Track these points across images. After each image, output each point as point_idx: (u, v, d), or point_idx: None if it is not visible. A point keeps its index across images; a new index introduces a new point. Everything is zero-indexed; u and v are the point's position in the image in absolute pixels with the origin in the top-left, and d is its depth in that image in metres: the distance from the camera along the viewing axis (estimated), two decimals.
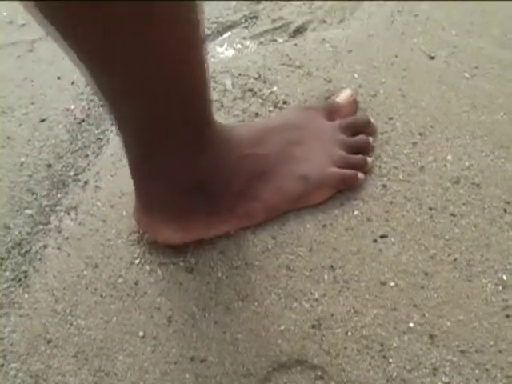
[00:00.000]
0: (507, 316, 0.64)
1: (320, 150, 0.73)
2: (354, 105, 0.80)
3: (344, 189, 0.74)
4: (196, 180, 0.65)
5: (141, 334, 0.66)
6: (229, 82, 0.86)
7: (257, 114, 0.82)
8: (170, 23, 0.46)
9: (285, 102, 0.83)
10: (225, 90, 0.86)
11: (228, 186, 0.68)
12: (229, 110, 0.83)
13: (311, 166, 0.72)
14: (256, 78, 0.87)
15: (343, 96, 0.80)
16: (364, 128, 0.77)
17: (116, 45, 0.46)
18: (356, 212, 0.72)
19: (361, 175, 0.73)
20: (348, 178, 0.73)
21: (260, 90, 0.85)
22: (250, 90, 0.85)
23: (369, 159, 0.75)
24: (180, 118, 0.58)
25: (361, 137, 0.76)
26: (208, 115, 0.63)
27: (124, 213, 0.75)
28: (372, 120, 0.78)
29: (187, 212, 0.68)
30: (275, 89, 0.85)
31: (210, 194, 0.67)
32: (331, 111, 0.78)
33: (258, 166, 0.70)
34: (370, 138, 0.77)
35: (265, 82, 0.86)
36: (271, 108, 0.83)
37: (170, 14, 0.46)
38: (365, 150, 0.76)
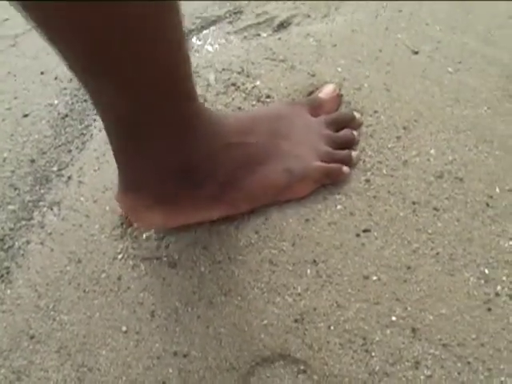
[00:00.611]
0: (489, 309, 0.64)
1: (306, 145, 0.73)
2: (337, 100, 0.80)
3: (328, 183, 0.74)
4: (182, 166, 0.64)
5: (124, 328, 0.66)
6: (212, 77, 0.86)
7: (240, 109, 0.82)
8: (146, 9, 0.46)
9: (268, 96, 0.83)
10: (208, 85, 0.85)
11: (214, 173, 0.67)
12: (212, 105, 0.83)
13: (296, 159, 0.72)
14: (239, 73, 0.86)
15: (326, 91, 0.80)
16: (348, 123, 0.77)
17: (97, 40, 0.46)
18: (339, 206, 0.72)
19: (345, 169, 0.73)
20: (332, 171, 0.73)
21: (243, 85, 0.85)
22: (233, 84, 0.85)
23: (354, 153, 0.75)
24: (165, 105, 0.57)
25: (345, 131, 0.76)
26: (193, 102, 0.62)
27: (107, 208, 0.74)
28: (357, 115, 0.78)
29: (171, 197, 0.67)
30: (258, 83, 0.85)
31: (196, 180, 0.67)
32: (315, 107, 0.78)
33: (243, 155, 0.69)
34: (355, 132, 0.77)
35: (248, 77, 0.86)
36: (254, 102, 0.83)
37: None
38: (350, 144, 0.76)
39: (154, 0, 0.46)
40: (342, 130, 0.76)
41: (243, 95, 0.84)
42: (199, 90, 0.84)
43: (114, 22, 0.45)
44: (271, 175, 0.71)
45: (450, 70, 0.85)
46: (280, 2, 0.98)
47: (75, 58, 0.51)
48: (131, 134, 0.60)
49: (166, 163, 0.64)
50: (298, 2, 0.98)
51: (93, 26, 0.45)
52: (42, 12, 0.43)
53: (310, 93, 0.83)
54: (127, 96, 0.54)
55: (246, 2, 0.98)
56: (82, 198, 0.76)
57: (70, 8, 0.42)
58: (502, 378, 0.60)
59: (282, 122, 0.74)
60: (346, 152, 0.75)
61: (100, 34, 0.46)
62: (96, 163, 0.79)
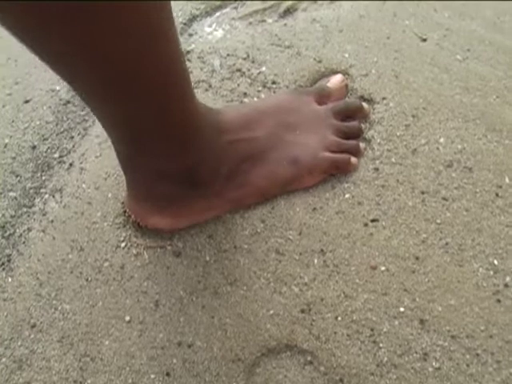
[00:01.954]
0: (498, 301, 0.63)
1: (312, 134, 0.72)
2: (344, 90, 0.79)
3: (336, 173, 0.72)
4: (183, 167, 0.64)
5: (127, 318, 0.65)
6: (217, 63, 0.84)
7: (245, 94, 0.81)
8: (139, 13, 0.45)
9: (274, 82, 0.82)
10: (213, 71, 0.84)
11: (216, 171, 0.67)
12: (217, 91, 0.81)
13: (302, 149, 0.71)
14: (244, 59, 0.85)
15: (334, 81, 0.79)
16: (356, 113, 0.76)
17: (83, 47, 0.44)
18: (347, 195, 0.71)
19: (354, 159, 0.72)
20: (340, 161, 0.71)
21: (248, 70, 0.83)
22: (239, 70, 0.83)
23: (361, 145, 0.74)
24: (162, 105, 0.56)
25: (354, 123, 0.75)
26: (190, 101, 0.61)
27: (109, 195, 0.73)
28: (364, 105, 0.77)
29: (176, 199, 0.67)
30: (264, 69, 0.83)
31: (199, 180, 0.66)
32: (322, 96, 0.76)
33: (246, 150, 0.68)
34: (362, 125, 0.76)
35: (253, 62, 0.84)
36: (260, 88, 0.81)
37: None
38: (357, 135, 0.75)
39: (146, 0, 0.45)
40: (350, 121, 0.75)
41: (249, 81, 0.82)
42: (204, 76, 0.83)
43: (106, 21, 0.44)
44: (277, 167, 0.70)
45: (458, 57, 0.84)
46: None
47: (86, 83, 0.50)
48: (131, 137, 0.60)
49: (166, 168, 0.64)
50: None
51: (87, 25, 0.43)
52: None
53: (317, 80, 0.82)
54: (123, 99, 0.53)
55: None
56: (83, 185, 0.74)
57: (64, 7, 0.40)
58: (511, 370, 0.59)
59: (287, 112, 0.73)
60: (354, 142, 0.73)
61: (95, 35, 0.44)
62: (98, 149, 0.78)
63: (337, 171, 0.72)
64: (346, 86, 0.79)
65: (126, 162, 0.64)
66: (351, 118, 0.76)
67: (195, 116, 0.63)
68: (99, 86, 0.51)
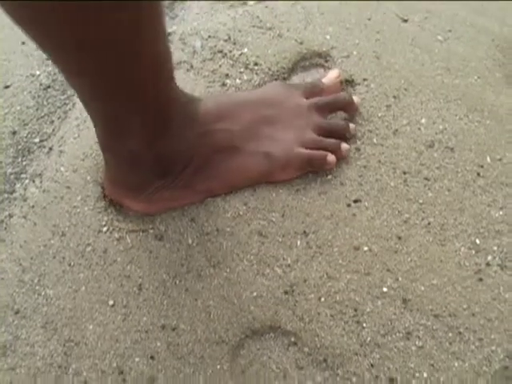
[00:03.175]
0: (480, 279, 0.63)
1: (290, 131, 0.71)
2: (338, 86, 0.77)
3: (312, 170, 0.71)
4: (156, 154, 0.64)
5: (111, 302, 0.65)
6: (198, 44, 0.84)
7: (227, 76, 0.80)
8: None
9: (256, 64, 0.81)
10: (194, 52, 0.83)
11: (188, 161, 0.67)
12: (198, 71, 0.81)
13: (277, 145, 0.70)
14: (226, 40, 0.84)
15: (330, 76, 0.77)
16: (344, 107, 0.75)
17: (74, 34, 0.45)
18: (329, 176, 0.71)
19: (330, 157, 0.70)
20: (315, 158, 0.70)
21: (230, 52, 0.83)
22: (220, 51, 0.83)
23: (344, 145, 0.72)
24: (140, 93, 0.56)
25: (337, 121, 0.74)
26: (169, 89, 0.61)
27: (88, 177, 0.73)
28: (355, 99, 0.75)
29: (147, 187, 0.68)
30: (246, 50, 0.83)
31: (169, 168, 0.66)
32: (313, 92, 0.75)
33: (220, 141, 0.68)
34: (352, 125, 0.73)
35: (235, 44, 0.84)
36: (242, 69, 0.81)
37: None
38: (340, 134, 0.73)
39: None
40: (334, 119, 0.74)
41: (230, 62, 0.82)
42: (185, 57, 0.83)
43: (99, 22, 0.44)
44: (249, 161, 0.69)
45: (439, 38, 0.84)
46: None
47: (71, 64, 0.50)
48: (106, 118, 0.60)
49: (140, 150, 0.63)
50: None
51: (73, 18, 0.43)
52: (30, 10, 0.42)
53: (298, 61, 0.82)
54: (106, 84, 0.53)
55: None
56: (62, 168, 0.74)
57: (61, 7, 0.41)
58: (493, 348, 0.60)
59: (269, 105, 0.72)
60: (332, 140, 0.71)
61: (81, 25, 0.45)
62: (76, 131, 0.77)
63: (312, 168, 0.71)
64: (341, 81, 0.78)
65: (103, 142, 0.65)
66: (340, 112, 0.75)
67: (172, 104, 0.62)
68: (79, 65, 0.50)
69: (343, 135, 0.73)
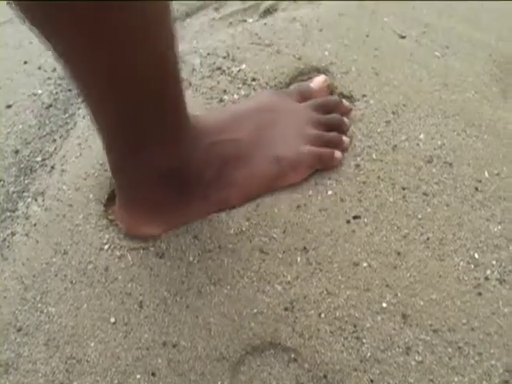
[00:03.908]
0: (479, 294, 0.64)
1: (292, 130, 0.72)
2: (327, 91, 0.79)
3: (321, 168, 0.73)
4: (168, 171, 0.65)
5: (112, 320, 0.65)
6: (197, 62, 0.85)
7: (225, 92, 0.81)
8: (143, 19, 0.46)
9: (254, 79, 0.82)
10: (193, 70, 0.84)
11: (200, 174, 0.67)
12: (197, 88, 0.82)
13: (284, 146, 0.71)
14: (224, 57, 0.85)
15: (317, 81, 0.79)
16: (335, 108, 0.76)
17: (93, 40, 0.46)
18: (330, 192, 0.71)
19: (337, 153, 0.72)
20: (324, 155, 0.71)
21: (228, 68, 0.84)
22: (219, 68, 0.84)
23: (345, 138, 0.74)
24: (156, 107, 0.57)
25: (334, 115, 0.75)
26: (182, 107, 0.62)
27: (90, 196, 0.73)
28: (344, 101, 0.77)
29: (161, 204, 0.68)
30: (244, 66, 0.84)
31: (183, 184, 0.67)
32: (303, 96, 0.77)
33: (228, 151, 0.69)
34: (345, 118, 0.75)
35: (233, 61, 0.85)
36: (240, 85, 0.82)
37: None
38: (339, 127, 0.75)
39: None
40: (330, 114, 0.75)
41: (229, 78, 0.83)
42: (184, 75, 0.83)
43: (109, 21, 0.45)
44: (261, 167, 0.70)
45: (437, 54, 0.85)
46: None
47: (73, 57, 0.51)
48: (125, 134, 0.60)
49: (152, 171, 0.64)
50: None
51: (92, 25, 0.45)
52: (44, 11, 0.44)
53: (296, 77, 0.83)
54: (118, 97, 0.54)
55: None
56: (64, 187, 0.74)
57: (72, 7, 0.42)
58: (493, 362, 0.60)
59: (266, 111, 0.73)
60: (335, 134, 0.73)
61: (98, 34, 0.46)
62: (78, 149, 0.78)
63: (321, 165, 0.72)
64: (328, 86, 0.79)
65: (118, 163, 0.65)
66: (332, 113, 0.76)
67: (185, 116, 0.64)
68: (99, 85, 0.52)
69: (341, 128, 0.75)
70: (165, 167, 0.64)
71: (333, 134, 0.73)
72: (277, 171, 0.70)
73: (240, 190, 0.70)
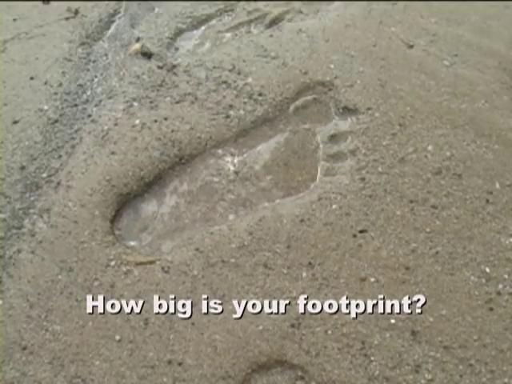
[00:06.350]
0: (491, 309, 0.62)
1: None
2: None
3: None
4: None
5: (117, 337, 0.64)
6: (203, 75, 0.84)
7: (231, 107, 0.81)
8: None
9: (260, 94, 0.81)
10: (199, 84, 0.84)
11: None
12: (202, 103, 0.81)
13: None
14: (230, 70, 0.85)
15: None
16: None
17: None
18: (334, 206, 0.70)
19: None
20: None
21: (234, 82, 0.83)
22: (224, 82, 0.83)
23: None
24: None
25: None
26: None
27: (96, 212, 0.73)
28: None
29: None
30: (250, 80, 0.83)
31: None
32: None
33: None
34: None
35: (239, 74, 0.84)
36: (246, 99, 0.81)
37: None
38: None
39: None
40: None
41: (235, 92, 0.82)
42: (189, 89, 0.83)
43: None
44: None
45: (446, 63, 0.83)
46: None
47: None
48: None
49: None
50: None
51: None
52: None
53: (302, 91, 0.82)
54: None
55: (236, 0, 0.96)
56: (70, 204, 0.74)
57: None
58: (506, 380, 0.58)
59: None
60: None
61: None
62: (84, 165, 0.78)
63: None
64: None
65: None
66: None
67: None
68: None
69: None
70: None
71: None
72: None
73: None
